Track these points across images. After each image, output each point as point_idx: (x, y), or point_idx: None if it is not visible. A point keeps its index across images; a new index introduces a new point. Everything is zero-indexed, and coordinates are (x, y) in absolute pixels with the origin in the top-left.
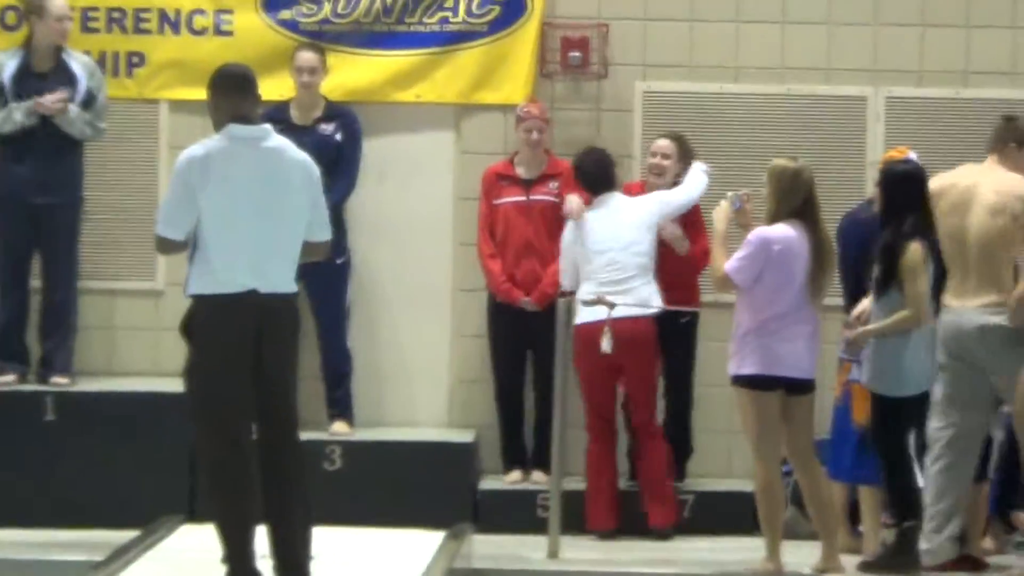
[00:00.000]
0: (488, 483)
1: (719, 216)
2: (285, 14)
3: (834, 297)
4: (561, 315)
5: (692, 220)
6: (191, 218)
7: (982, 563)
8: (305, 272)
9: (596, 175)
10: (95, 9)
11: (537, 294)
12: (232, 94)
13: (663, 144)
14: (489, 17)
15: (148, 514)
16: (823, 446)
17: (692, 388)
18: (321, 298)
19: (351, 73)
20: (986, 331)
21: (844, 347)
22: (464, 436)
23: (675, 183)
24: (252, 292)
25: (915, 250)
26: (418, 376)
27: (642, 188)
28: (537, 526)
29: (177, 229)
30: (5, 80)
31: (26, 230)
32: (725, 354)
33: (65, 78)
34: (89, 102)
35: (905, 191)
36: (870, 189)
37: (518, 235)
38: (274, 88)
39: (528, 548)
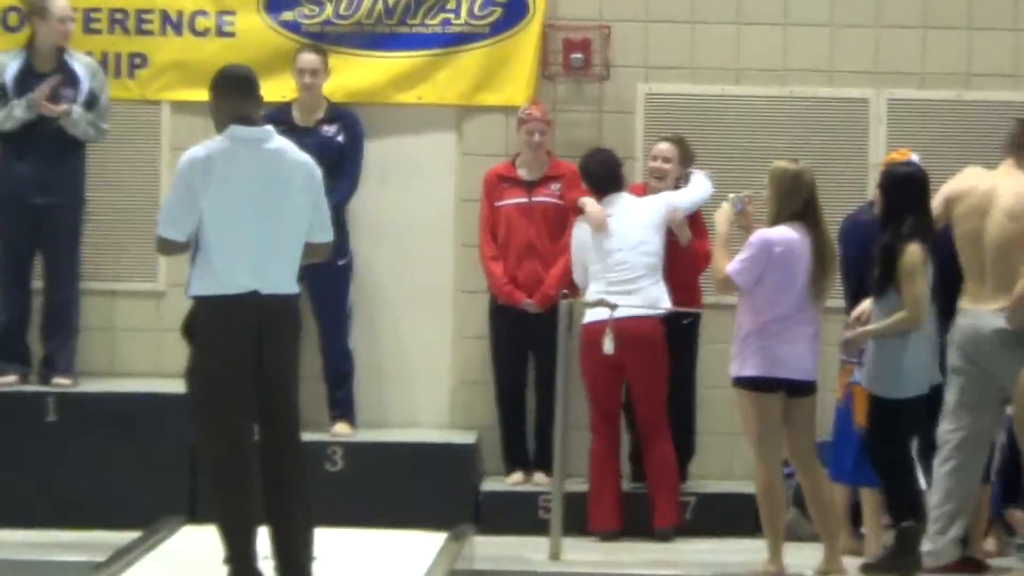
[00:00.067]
0: (490, 484)
1: (721, 218)
2: (287, 15)
3: (835, 299)
4: (563, 317)
5: (694, 222)
6: (192, 219)
7: (983, 565)
8: (307, 273)
9: (603, 176)
10: (97, 10)
11: (539, 296)
12: (234, 95)
13: (664, 148)
14: (491, 19)
15: (149, 515)
16: (825, 448)
17: (695, 390)
18: (323, 299)
19: (353, 74)
20: (1003, 334)
21: (842, 347)
22: (466, 437)
23: (676, 187)
24: (253, 293)
25: (914, 252)
26: (420, 377)
27: (643, 191)
28: (539, 527)
29: (178, 230)
30: (7, 81)
31: (28, 231)
32: (726, 356)
33: (67, 79)
34: (91, 103)
35: (906, 193)
36: (872, 191)
37: (520, 237)
38: (276, 89)
39: (529, 549)
